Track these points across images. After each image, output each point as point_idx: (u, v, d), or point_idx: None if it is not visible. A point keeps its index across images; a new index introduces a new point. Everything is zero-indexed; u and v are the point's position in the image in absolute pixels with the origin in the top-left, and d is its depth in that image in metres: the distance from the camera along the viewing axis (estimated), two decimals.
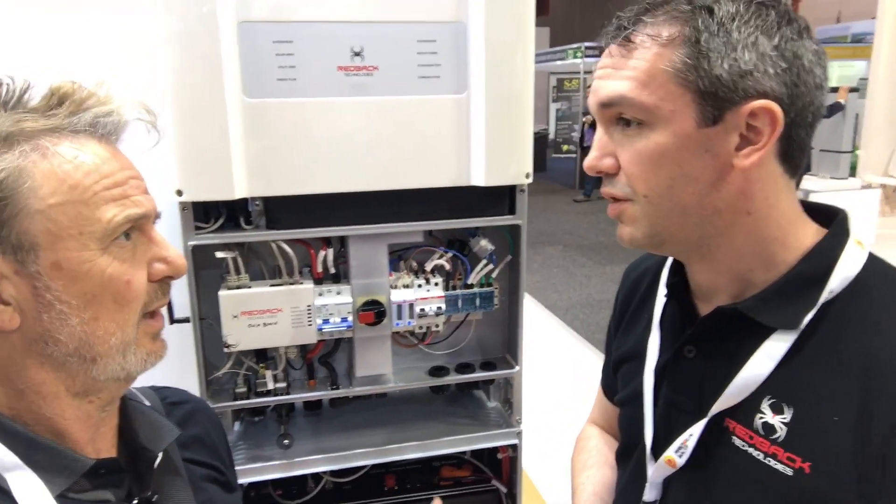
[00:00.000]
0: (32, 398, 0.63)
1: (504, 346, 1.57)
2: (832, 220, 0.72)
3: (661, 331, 0.83)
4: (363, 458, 1.43)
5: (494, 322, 1.55)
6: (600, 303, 5.22)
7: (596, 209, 9.17)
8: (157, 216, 0.68)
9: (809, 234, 0.71)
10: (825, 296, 0.67)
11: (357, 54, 1.21)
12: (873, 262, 0.70)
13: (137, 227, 0.64)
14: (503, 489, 1.57)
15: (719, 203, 0.68)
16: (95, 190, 0.60)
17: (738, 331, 0.71)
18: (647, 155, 0.67)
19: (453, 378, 1.47)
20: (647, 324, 0.86)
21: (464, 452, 1.56)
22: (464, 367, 1.49)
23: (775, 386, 0.68)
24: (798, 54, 0.65)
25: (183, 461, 0.76)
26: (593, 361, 4.07)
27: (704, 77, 0.64)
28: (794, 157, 0.69)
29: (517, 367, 1.48)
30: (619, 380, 0.93)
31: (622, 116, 0.69)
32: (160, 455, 0.71)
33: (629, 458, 0.86)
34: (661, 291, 0.85)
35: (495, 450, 1.55)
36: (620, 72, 0.68)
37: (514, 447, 1.51)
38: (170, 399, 0.84)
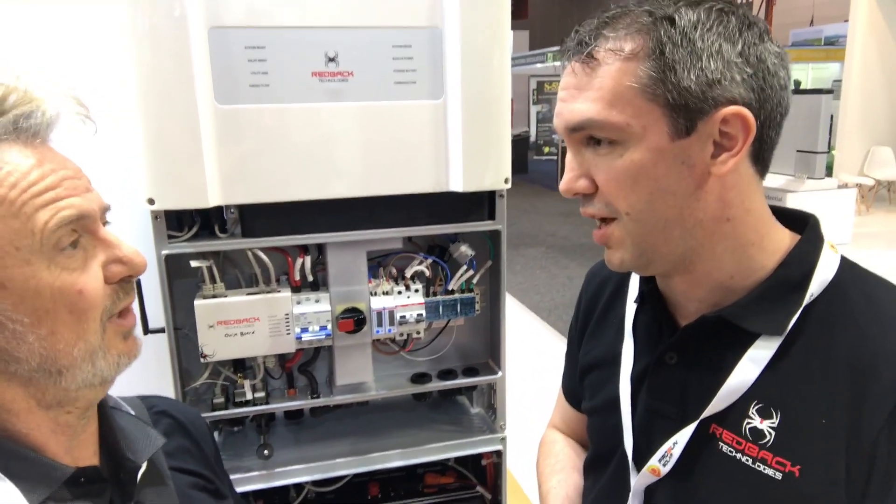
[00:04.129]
0: (4, 416, 0.61)
1: (486, 352, 1.56)
2: (801, 225, 0.73)
3: (634, 338, 0.82)
4: (345, 466, 1.41)
5: (476, 327, 1.54)
6: None
7: (577, 210, 9.19)
8: (106, 209, 0.64)
9: (784, 238, 0.72)
10: (806, 300, 0.68)
11: (332, 60, 1.20)
12: (846, 266, 0.71)
13: (83, 230, 0.61)
14: (488, 496, 1.56)
15: (699, 213, 0.67)
16: (24, 200, 0.56)
17: (720, 337, 0.71)
18: (623, 173, 0.66)
19: (435, 385, 1.46)
20: (616, 330, 0.85)
21: (448, 459, 1.55)
22: (446, 374, 1.48)
23: (762, 391, 0.68)
24: (762, 58, 0.64)
25: (169, 470, 0.75)
26: None
27: (673, 90, 0.63)
28: (766, 158, 0.69)
29: (500, 373, 1.47)
30: (586, 388, 0.91)
31: (593, 136, 0.67)
32: (144, 465, 0.70)
33: (603, 468, 0.85)
34: (631, 297, 0.84)
35: (479, 456, 1.54)
36: (585, 92, 0.66)
37: (499, 453, 1.50)
38: (157, 408, 0.83)
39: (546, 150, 14.80)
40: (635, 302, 0.83)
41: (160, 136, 1.13)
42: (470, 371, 1.50)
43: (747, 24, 0.65)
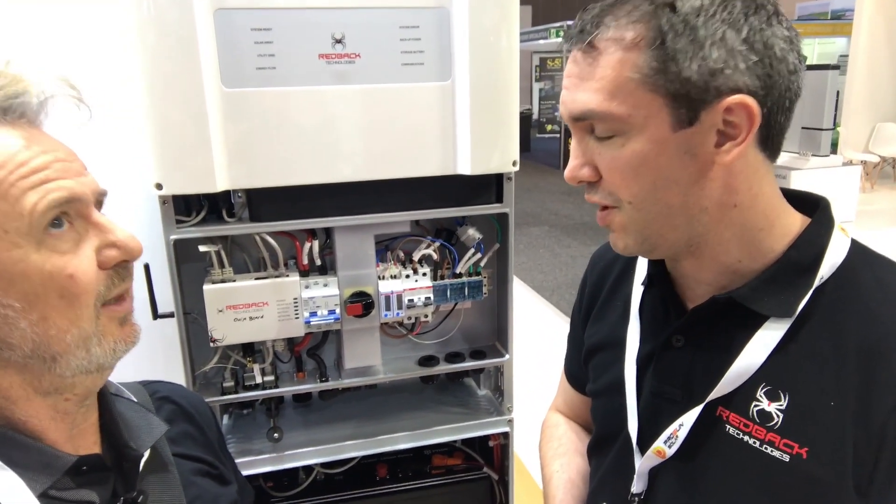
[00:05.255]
0: (3, 403, 0.60)
1: (493, 334, 1.56)
2: (812, 208, 0.73)
3: (640, 320, 0.82)
4: (354, 449, 1.42)
5: (483, 310, 1.54)
6: None
7: (580, 189, 9.15)
8: (103, 194, 0.63)
9: (795, 221, 0.72)
10: (816, 283, 0.68)
11: (338, 41, 1.18)
12: (856, 249, 0.70)
13: (76, 214, 0.59)
14: (495, 476, 1.57)
15: (704, 201, 0.67)
16: (11, 181, 0.55)
17: (729, 320, 0.71)
18: (625, 163, 0.66)
19: (443, 368, 1.46)
20: (622, 312, 0.85)
21: (455, 441, 1.56)
22: (453, 357, 1.48)
23: (770, 374, 0.68)
24: (769, 44, 0.62)
25: (173, 456, 0.75)
26: None
27: (674, 80, 0.61)
28: (775, 143, 0.68)
29: (507, 356, 1.48)
30: (591, 370, 0.92)
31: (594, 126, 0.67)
32: (147, 452, 0.70)
33: (607, 450, 0.86)
34: (638, 280, 0.84)
35: (486, 437, 1.55)
36: (587, 82, 0.65)
37: (506, 435, 1.51)
38: (160, 394, 0.82)
39: (549, 128, 14.70)
40: (642, 284, 0.83)
41: (167, 121, 1.12)
42: (477, 354, 1.50)
43: (754, 7, 0.62)
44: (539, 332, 4.23)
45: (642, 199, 0.67)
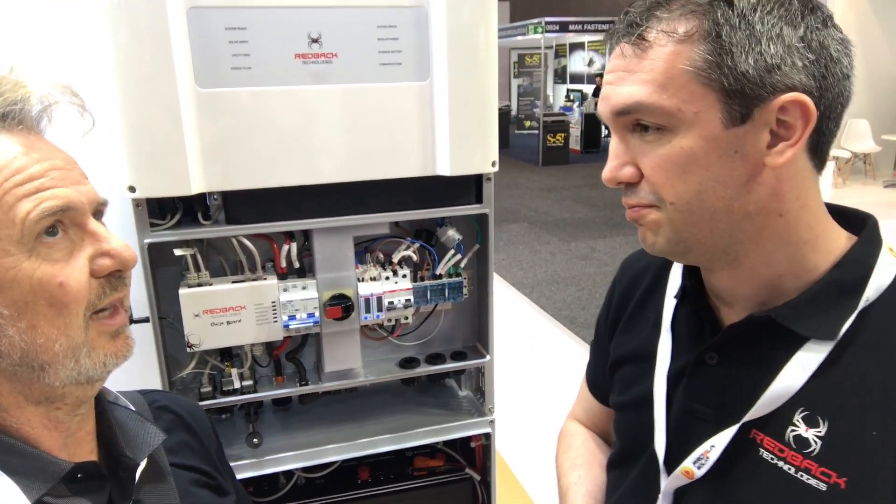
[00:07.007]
0: None
1: (474, 335, 1.55)
2: (858, 225, 0.70)
3: (672, 335, 0.79)
4: (335, 453, 1.41)
5: (464, 311, 1.53)
6: (566, 279, 5.27)
7: (559, 186, 9.22)
8: (103, 204, 0.63)
9: (840, 238, 0.69)
10: (861, 305, 0.65)
11: (315, 41, 1.16)
12: None
13: (71, 222, 0.59)
14: (477, 477, 1.57)
15: (750, 206, 0.64)
16: (6, 189, 0.55)
17: (767, 339, 0.68)
18: (672, 161, 0.64)
19: (424, 370, 1.45)
20: (652, 325, 0.83)
21: (437, 442, 1.55)
22: (434, 358, 1.48)
23: (809, 398, 0.65)
24: (824, 44, 0.61)
25: (170, 466, 0.74)
26: (559, 338, 4.12)
27: (729, 74, 0.60)
28: (824, 151, 0.66)
29: (488, 357, 1.47)
30: (616, 382, 0.89)
31: (640, 122, 0.65)
32: (144, 462, 0.69)
33: (630, 465, 0.83)
34: (671, 292, 0.81)
35: (468, 438, 1.55)
36: (635, 75, 0.63)
37: (487, 436, 1.50)
38: (158, 403, 0.82)
39: (527, 124, 14.76)
40: (675, 297, 0.80)
41: (140, 123, 1.09)
42: (458, 355, 1.50)
43: (810, 7, 0.62)
44: (519, 330, 4.24)
45: (686, 200, 0.65)
